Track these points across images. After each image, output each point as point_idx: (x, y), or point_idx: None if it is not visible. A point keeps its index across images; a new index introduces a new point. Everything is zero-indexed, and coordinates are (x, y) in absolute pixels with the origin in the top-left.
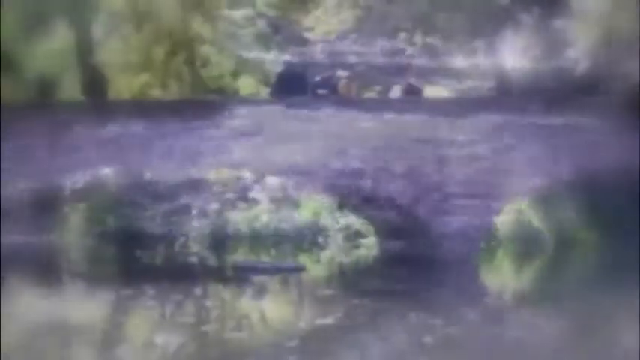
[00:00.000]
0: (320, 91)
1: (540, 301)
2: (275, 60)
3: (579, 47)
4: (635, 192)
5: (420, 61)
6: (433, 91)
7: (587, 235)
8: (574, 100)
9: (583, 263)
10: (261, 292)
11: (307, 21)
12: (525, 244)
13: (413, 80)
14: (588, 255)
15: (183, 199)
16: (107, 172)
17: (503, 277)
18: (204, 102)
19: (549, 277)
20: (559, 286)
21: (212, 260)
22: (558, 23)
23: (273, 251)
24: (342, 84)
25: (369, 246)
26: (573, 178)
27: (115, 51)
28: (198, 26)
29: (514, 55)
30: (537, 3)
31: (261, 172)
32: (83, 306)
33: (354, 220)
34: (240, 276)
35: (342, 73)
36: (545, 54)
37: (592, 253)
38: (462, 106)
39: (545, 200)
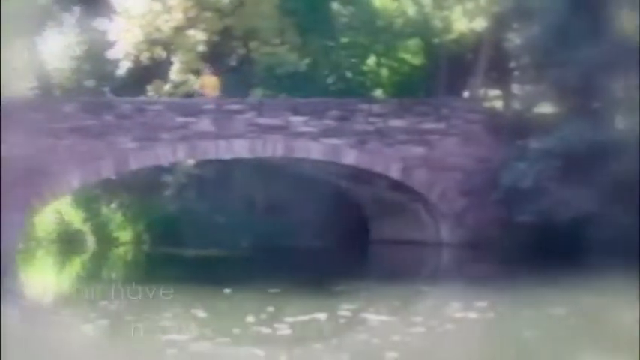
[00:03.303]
0: None
1: (82, 301)
2: None
3: (121, 48)
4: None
5: None
6: None
7: (128, 233)
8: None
9: (124, 262)
10: None
11: None
12: (66, 245)
13: None
14: (130, 254)
15: None
16: None
17: (43, 277)
18: None
19: (91, 276)
20: (103, 285)
21: None
22: (100, 23)
23: None
24: None
25: None
26: (114, 178)
27: None
28: None
29: (56, 54)
30: (78, 3)
31: None
32: None
33: None
34: None
35: None
36: (87, 54)
37: (134, 251)
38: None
39: (86, 200)
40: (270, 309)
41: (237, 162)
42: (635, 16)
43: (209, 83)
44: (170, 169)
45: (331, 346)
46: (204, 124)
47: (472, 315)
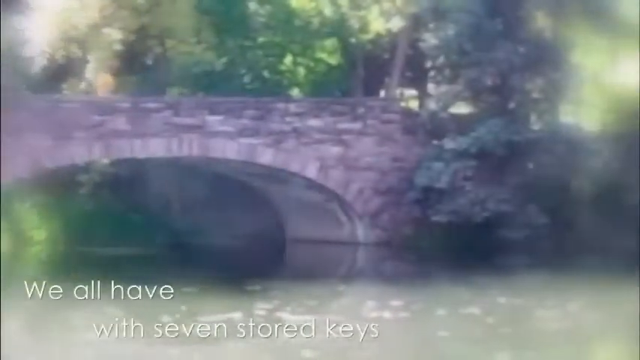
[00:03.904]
0: None
1: None
2: None
3: (36, 45)
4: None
5: None
6: None
7: (42, 232)
8: None
9: (38, 261)
10: None
11: None
12: None
13: None
14: (45, 253)
15: None
16: None
17: None
18: None
19: (4, 276)
20: (16, 285)
21: None
22: (16, 20)
23: None
24: None
25: None
26: (29, 177)
27: None
28: None
29: None
30: None
31: None
32: None
33: None
34: None
35: None
36: (2, 51)
37: (49, 250)
38: None
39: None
40: (185, 308)
41: (153, 161)
42: (549, 17)
43: (102, 82)
44: (85, 168)
45: (247, 346)
46: (120, 122)
47: (387, 314)
